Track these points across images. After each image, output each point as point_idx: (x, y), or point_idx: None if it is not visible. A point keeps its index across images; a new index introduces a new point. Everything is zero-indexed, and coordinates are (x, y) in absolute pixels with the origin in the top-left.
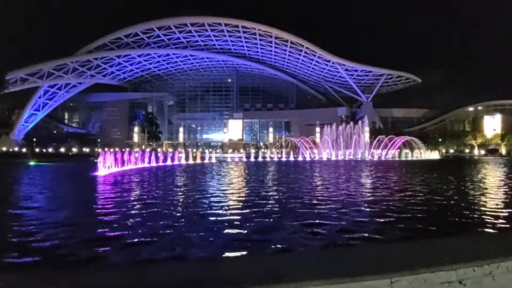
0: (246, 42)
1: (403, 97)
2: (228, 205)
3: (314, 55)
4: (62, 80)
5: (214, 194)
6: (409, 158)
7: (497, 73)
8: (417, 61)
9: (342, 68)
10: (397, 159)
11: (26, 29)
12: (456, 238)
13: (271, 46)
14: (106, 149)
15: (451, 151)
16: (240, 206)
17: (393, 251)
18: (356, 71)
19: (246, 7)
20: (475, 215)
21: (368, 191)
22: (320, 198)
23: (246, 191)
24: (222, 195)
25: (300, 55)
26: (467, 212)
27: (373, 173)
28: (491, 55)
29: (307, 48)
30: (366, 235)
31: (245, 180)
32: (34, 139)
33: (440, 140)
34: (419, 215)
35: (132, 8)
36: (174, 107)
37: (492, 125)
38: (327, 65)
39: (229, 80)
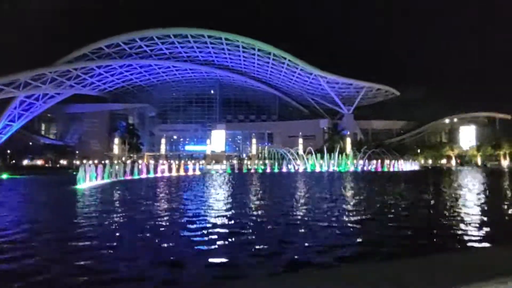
0: (229, 54)
1: (383, 109)
2: None
3: (297, 68)
4: (40, 90)
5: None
6: (391, 169)
7: (472, 87)
8: (397, 75)
9: (324, 80)
10: (379, 170)
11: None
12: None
13: (254, 58)
14: (85, 161)
15: (430, 162)
16: None
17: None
18: (337, 83)
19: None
20: None
21: None
22: None
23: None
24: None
25: (282, 67)
26: None
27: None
28: (467, 70)
29: (289, 60)
30: None
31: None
32: (8, 151)
33: (418, 151)
34: None
35: (121, 18)
36: (155, 119)
37: (467, 136)
38: (309, 77)
39: (212, 91)
